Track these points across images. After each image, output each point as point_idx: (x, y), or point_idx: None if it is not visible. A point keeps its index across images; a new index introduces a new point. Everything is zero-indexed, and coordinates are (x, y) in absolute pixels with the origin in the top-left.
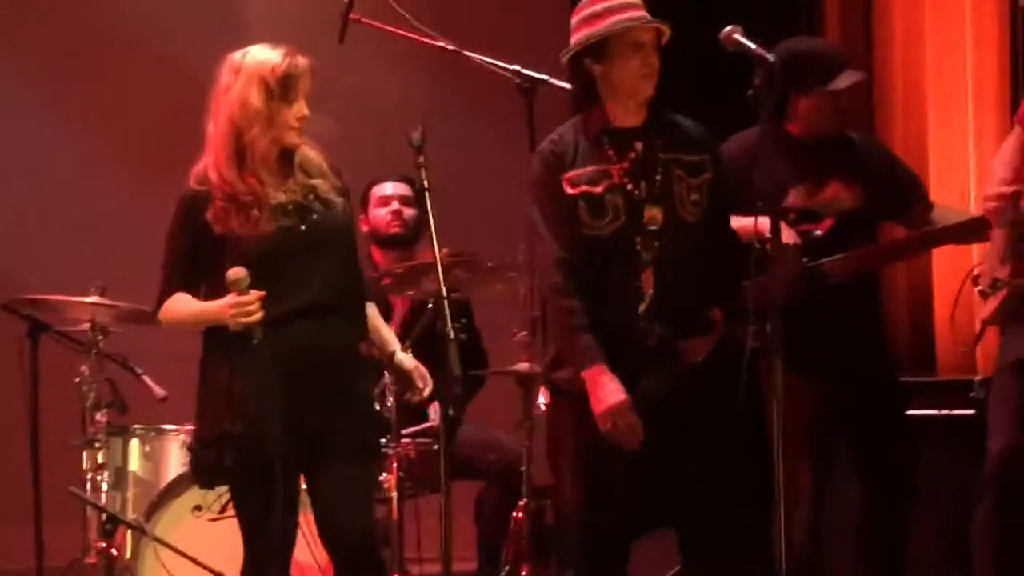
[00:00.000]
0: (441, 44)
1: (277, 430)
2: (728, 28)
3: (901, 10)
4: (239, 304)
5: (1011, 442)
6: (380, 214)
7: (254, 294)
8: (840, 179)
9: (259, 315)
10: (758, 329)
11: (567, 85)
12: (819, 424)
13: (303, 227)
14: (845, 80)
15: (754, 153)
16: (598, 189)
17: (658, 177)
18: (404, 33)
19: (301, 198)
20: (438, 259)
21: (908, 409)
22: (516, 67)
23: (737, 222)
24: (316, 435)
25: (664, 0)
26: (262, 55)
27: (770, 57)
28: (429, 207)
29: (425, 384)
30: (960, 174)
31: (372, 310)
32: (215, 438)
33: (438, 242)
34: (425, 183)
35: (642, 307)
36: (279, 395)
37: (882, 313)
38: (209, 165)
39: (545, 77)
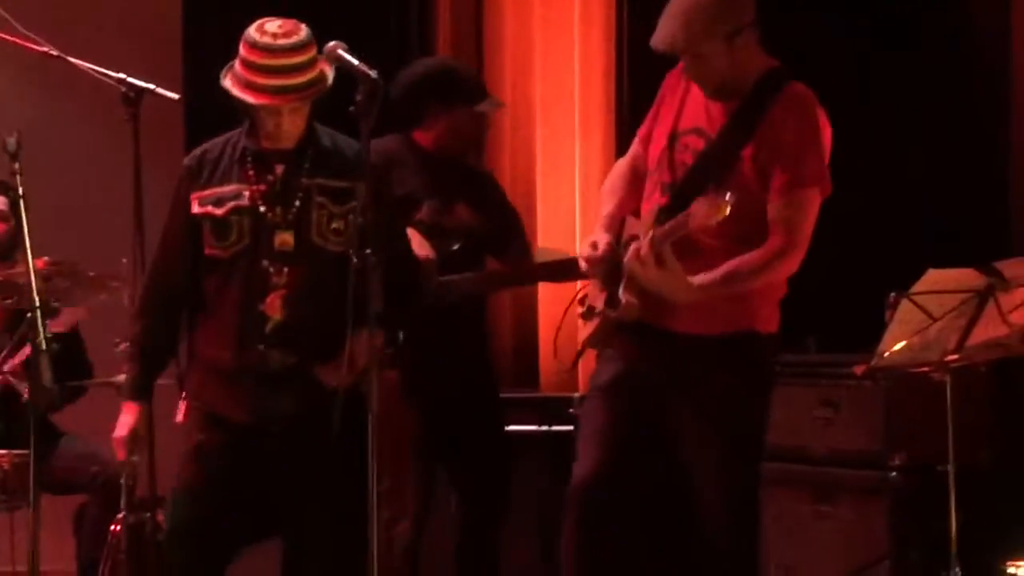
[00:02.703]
0: (44, 49)
1: None
2: (331, 44)
3: (512, 38)
4: None
5: (592, 465)
6: None
7: None
8: (465, 202)
9: None
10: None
11: (174, 96)
12: (423, 442)
13: None
14: (489, 104)
15: (387, 161)
16: (221, 211)
17: (297, 203)
18: (3, 36)
19: None
20: (31, 269)
21: (506, 427)
22: (121, 75)
23: None
24: None
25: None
26: None
27: (372, 74)
28: (23, 216)
29: None
30: (567, 199)
31: None
32: None
33: (33, 251)
34: (20, 191)
35: (267, 330)
36: None
37: (487, 334)
38: None
39: (151, 86)
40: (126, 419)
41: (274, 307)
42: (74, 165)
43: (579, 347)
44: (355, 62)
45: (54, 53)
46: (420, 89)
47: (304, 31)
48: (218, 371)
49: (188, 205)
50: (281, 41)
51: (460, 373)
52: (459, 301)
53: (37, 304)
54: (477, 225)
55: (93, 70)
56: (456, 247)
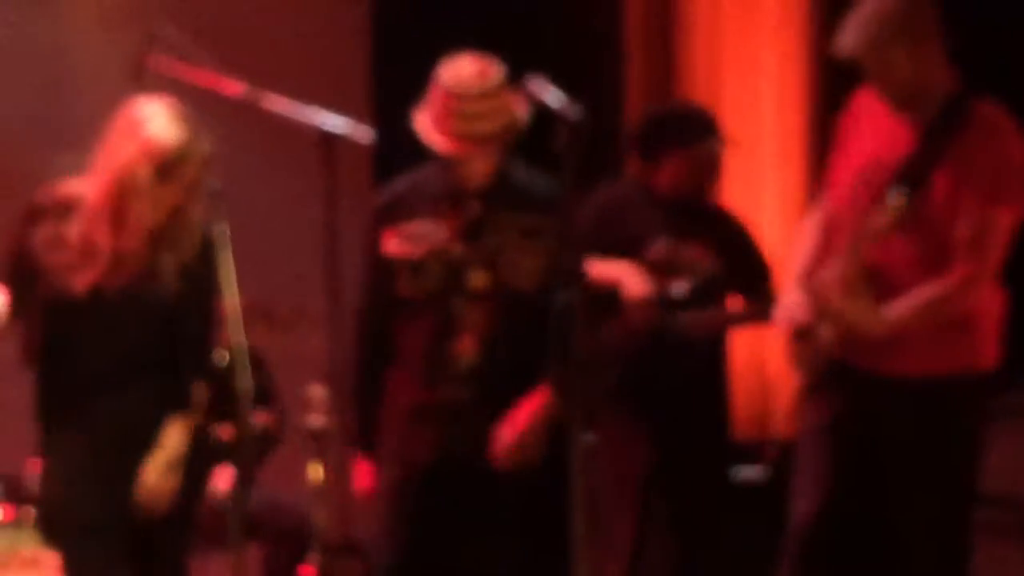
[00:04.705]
0: (238, 91)
1: (78, 501)
2: (531, 82)
3: (704, 67)
4: None
5: (813, 505)
6: None
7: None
8: (701, 242)
9: None
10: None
11: (367, 138)
12: (642, 479)
13: (112, 296)
14: (718, 141)
15: (621, 203)
16: (418, 250)
17: (491, 240)
18: (202, 78)
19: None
20: (236, 310)
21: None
22: (315, 117)
23: (596, 268)
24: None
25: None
26: (160, 126)
27: (572, 115)
28: (228, 255)
29: None
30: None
31: None
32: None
33: (232, 292)
34: (226, 231)
35: (459, 370)
36: (80, 467)
37: (723, 374)
38: (86, 204)
39: (346, 130)
40: (366, 469)
41: (467, 347)
42: (264, 205)
43: (794, 398)
44: (554, 104)
45: (249, 95)
46: (653, 132)
47: (496, 73)
48: (402, 412)
49: (380, 243)
50: (476, 87)
51: (687, 411)
52: (696, 339)
53: (243, 345)
54: (712, 263)
55: (287, 113)
56: (689, 287)
